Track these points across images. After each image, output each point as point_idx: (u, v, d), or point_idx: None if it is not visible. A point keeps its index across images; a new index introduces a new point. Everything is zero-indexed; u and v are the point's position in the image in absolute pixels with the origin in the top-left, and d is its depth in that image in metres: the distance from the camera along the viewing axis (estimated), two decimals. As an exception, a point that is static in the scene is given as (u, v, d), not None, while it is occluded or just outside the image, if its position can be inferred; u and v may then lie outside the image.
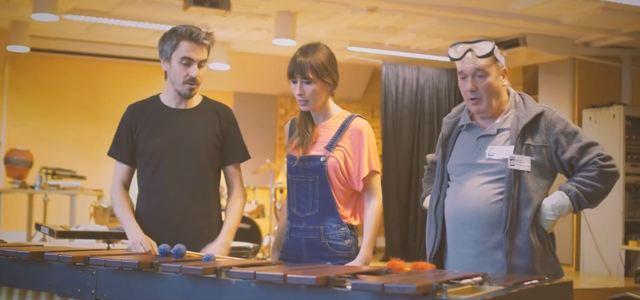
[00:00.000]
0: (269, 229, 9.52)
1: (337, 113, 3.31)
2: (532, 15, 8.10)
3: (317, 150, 3.22)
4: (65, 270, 2.72)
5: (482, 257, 2.98)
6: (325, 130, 3.26)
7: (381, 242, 10.66)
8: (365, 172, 3.21)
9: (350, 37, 9.55)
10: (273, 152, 11.74)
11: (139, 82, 11.13)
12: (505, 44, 8.85)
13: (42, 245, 3.23)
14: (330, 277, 2.13)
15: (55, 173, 9.45)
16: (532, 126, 3.00)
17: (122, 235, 4.60)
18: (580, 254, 9.28)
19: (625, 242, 8.73)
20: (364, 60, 10.74)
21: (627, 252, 8.74)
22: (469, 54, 2.99)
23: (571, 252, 9.46)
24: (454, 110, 3.27)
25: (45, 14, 7.73)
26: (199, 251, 3.02)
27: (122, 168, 3.40)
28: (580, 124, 9.17)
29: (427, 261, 3.02)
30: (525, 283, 2.29)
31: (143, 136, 3.35)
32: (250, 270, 2.28)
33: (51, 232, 4.46)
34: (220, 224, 3.45)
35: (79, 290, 2.67)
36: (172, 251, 2.80)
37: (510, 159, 2.94)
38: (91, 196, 9.73)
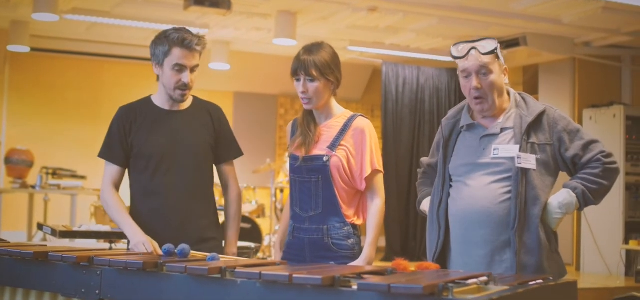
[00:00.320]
0: (270, 228, 9.51)
1: (340, 112, 3.31)
2: (533, 15, 8.10)
3: (319, 149, 3.22)
4: (69, 270, 2.71)
5: (491, 256, 2.98)
6: (328, 130, 3.26)
7: (382, 242, 10.66)
8: (367, 171, 3.21)
9: (350, 37, 9.55)
10: (273, 152, 11.74)
11: (139, 82, 11.11)
12: (506, 44, 8.86)
13: (46, 245, 3.22)
14: (336, 277, 2.12)
15: (55, 173, 9.45)
16: (536, 125, 3.02)
17: (124, 236, 4.60)
18: (581, 253, 9.28)
19: (626, 241, 8.73)
20: (364, 60, 10.74)
21: (628, 252, 8.74)
22: (472, 51, 2.99)
23: (572, 252, 9.46)
24: (453, 111, 3.26)
25: (45, 13, 7.73)
26: (202, 251, 3.01)
27: (114, 170, 3.37)
28: (580, 123, 9.16)
29: (427, 262, 3.01)
30: (531, 283, 2.29)
31: (139, 139, 3.34)
32: (256, 270, 2.27)
33: (53, 232, 4.46)
34: (217, 222, 3.48)
35: (83, 290, 2.66)
36: (176, 251, 2.80)
37: (518, 157, 2.94)
38: (92, 196, 9.73)
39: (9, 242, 3.26)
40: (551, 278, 2.47)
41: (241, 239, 5.40)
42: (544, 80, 10.01)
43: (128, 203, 3.42)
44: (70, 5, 8.23)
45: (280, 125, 11.90)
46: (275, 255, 3.46)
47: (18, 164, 9.14)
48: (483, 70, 2.98)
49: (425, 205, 3.32)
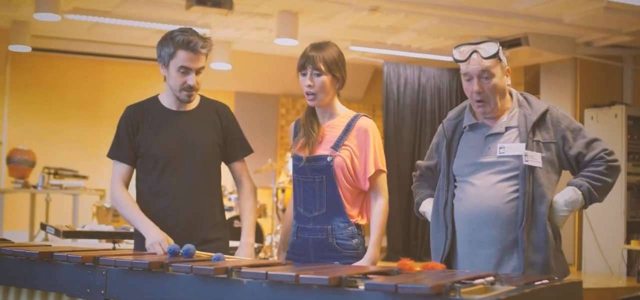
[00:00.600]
0: (271, 228, 9.51)
1: (343, 112, 3.31)
2: (534, 15, 8.10)
3: (323, 149, 3.23)
4: (74, 270, 2.71)
5: (500, 255, 2.98)
6: (331, 130, 3.26)
7: (383, 242, 10.66)
8: (371, 171, 3.21)
9: (351, 37, 9.54)
10: (274, 152, 11.73)
11: (140, 82, 11.11)
12: (507, 44, 8.85)
13: (50, 245, 3.22)
14: (342, 277, 2.12)
15: (57, 173, 9.45)
16: (540, 123, 3.03)
17: (127, 235, 4.60)
18: (582, 253, 9.28)
19: (627, 241, 8.73)
20: (365, 59, 10.74)
21: (629, 252, 8.74)
22: (474, 55, 2.98)
23: (573, 252, 9.46)
24: (454, 112, 3.26)
25: (47, 13, 7.73)
26: (208, 251, 3.01)
27: (124, 168, 3.36)
28: (582, 123, 9.16)
29: (432, 262, 3.00)
30: (536, 283, 2.29)
31: (146, 139, 3.33)
32: (262, 270, 2.27)
33: (57, 232, 4.45)
34: (224, 222, 3.47)
35: (88, 290, 2.66)
36: (181, 251, 2.80)
37: (525, 155, 2.95)
38: (93, 196, 9.73)
39: (13, 242, 3.26)
40: (556, 278, 2.47)
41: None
42: (545, 80, 10.01)
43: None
44: (72, 5, 8.23)
45: (281, 125, 11.90)
46: (278, 256, 3.46)
47: (20, 164, 9.14)
48: (485, 74, 2.98)
49: (425, 206, 3.31)
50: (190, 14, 8.11)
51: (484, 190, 3.01)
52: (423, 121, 10.46)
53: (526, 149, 2.96)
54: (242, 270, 2.33)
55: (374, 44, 9.84)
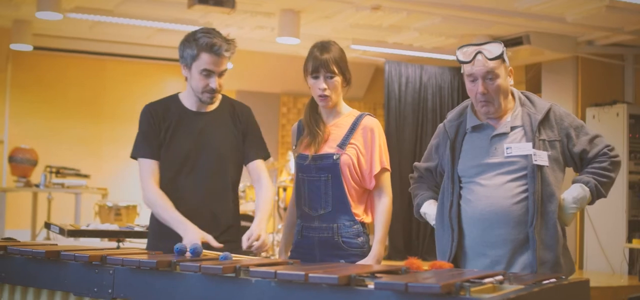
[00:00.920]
0: (273, 227, 9.51)
1: (347, 112, 3.34)
2: (536, 14, 8.10)
3: (329, 148, 3.24)
4: (82, 269, 2.70)
5: (509, 255, 2.98)
6: (337, 129, 3.28)
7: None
8: (376, 169, 3.24)
9: (353, 36, 9.54)
10: (275, 151, 11.73)
11: (141, 81, 11.12)
12: (509, 43, 8.85)
13: (56, 245, 3.22)
14: (351, 276, 2.12)
15: (59, 172, 9.45)
16: (544, 122, 3.05)
17: (132, 234, 4.60)
18: (584, 252, 9.29)
19: (629, 240, 8.73)
20: (366, 58, 10.74)
21: (631, 251, 8.75)
22: (479, 56, 2.98)
23: (574, 251, 9.46)
24: (454, 113, 3.25)
25: (49, 12, 7.73)
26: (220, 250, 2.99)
27: (153, 165, 3.26)
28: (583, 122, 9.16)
29: (441, 261, 3.00)
30: (544, 282, 2.29)
31: (165, 139, 3.27)
32: (271, 269, 2.27)
33: (62, 231, 4.45)
34: (238, 226, 3.40)
35: (95, 289, 2.65)
36: (188, 250, 2.79)
37: (533, 155, 2.95)
38: (95, 195, 9.74)
39: (19, 241, 3.26)
40: (564, 277, 2.47)
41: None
42: (546, 79, 10.01)
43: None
44: (73, 3, 8.22)
45: (282, 124, 11.90)
46: (280, 255, 3.46)
47: (22, 163, 9.14)
48: (489, 75, 2.98)
49: (427, 208, 3.30)
50: (192, 12, 8.11)
51: (493, 191, 3.01)
52: (424, 120, 10.46)
53: (533, 148, 2.97)
54: (251, 269, 2.33)
55: (376, 42, 9.84)
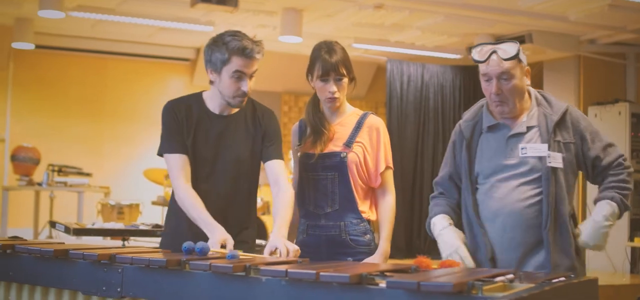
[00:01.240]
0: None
1: (351, 110, 3.36)
2: (538, 12, 8.10)
3: (335, 146, 3.25)
4: (90, 268, 2.69)
5: (520, 258, 2.95)
6: (342, 128, 3.29)
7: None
8: (382, 167, 3.26)
9: (355, 34, 9.54)
10: (276, 149, 11.71)
11: (143, 79, 11.12)
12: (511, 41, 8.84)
13: (63, 243, 3.22)
14: (363, 275, 2.12)
15: (61, 170, 9.45)
16: (560, 123, 3.00)
17: (138, 233, 4.60)
18: (586, 251, 9.27)
19: (631, 239, 8.74)
20: (368, 57, 10.74)
21: (633, 249, 8.75)
22: (493, 56, 2.92)
23: (576, 249, 9.45)
24: (470, 112, 3.20)
25: (51, 10, 7.73)
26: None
27: (182, 160, 3.16)
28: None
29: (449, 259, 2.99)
30: (554, 280, 2.29)
31: (187, 141, 3.20)
32: (281, 267, 2.26)
33: (67, 229, 4.45)
34: (255, 230, 3.35)
35: (104, 288, 2.64)
36: (195, 249, 2.78)
37: (547, 157, 2.92)
38: (97, 193, 9.74)
39: (26, 240, 3.26)
40: (572, 275, 2.47)
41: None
42: (548, 78, 10.01)
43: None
44: (75, 2, 8.22)
45: (283, 123, 11.88)
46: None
47: (24, 162, 9.14)
48: (504, 76, 2.93)
49: (436, 219, 3.15)
50: (194, 11, 8.11)
51: (506, 193, 2.97)
52: (426, 119, 10.45)
53: (549, 149, 2.93)
54: (261, 268, 2.32)
55: (378, 41, 9.84)
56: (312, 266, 2.39)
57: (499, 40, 3.03)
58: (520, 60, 2.96)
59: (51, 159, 9.83)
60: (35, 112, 10.59)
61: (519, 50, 2.93)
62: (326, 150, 3.25)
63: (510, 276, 2.23)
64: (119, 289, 2.62)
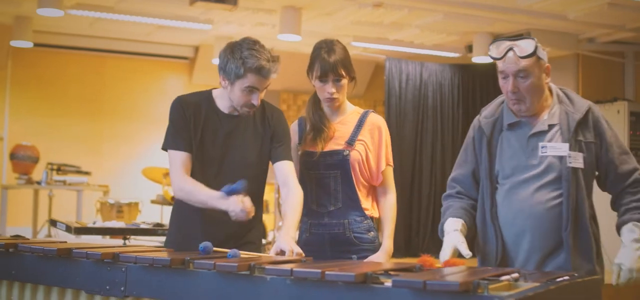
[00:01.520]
0: (273, 224, 9.51)
1: (351, 109, 3.35)
2: (538, 11, 8.11)
3: (336, 144, 3.25)
4: (94, 267, 2.68)
5: (541, 261, 2.88)
6: (343, 126, 3.29)
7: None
8: (383, 166, 3.27)
9: (354, 33, 9.54)
10: (275, 148, 11.72)
11: (142, 78, 11.11)
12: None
13: (66, 242, 3.21)
14: (368, 274, 2.12)
15: (60, 169, 9.44)
16: (583, 122, 2.91)
17: (139, 232, 4.60)
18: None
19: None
20: (367, 55, 10.73)
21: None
22: (510, 53, 2.83)
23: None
24: (489, 109, 3.09)
25: (50, 8, 7.72)
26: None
27: (184, 156, 3.13)
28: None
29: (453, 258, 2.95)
30: (558, 279, 2.29)
31: (194, 139, 3.17)
32: (286, 266, 2.26)
33: (68, 228, 4.44)
34: (260, 235, 3.31)
35: (107, 287, 2.64)
36: (199, 248, 2.78)
37: (568, 157, 2.85)
38: (96, 192, 9.73)
39: (29, 239, 3.25)
40: (576, 274, 2.47)
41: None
42: (547, 76, 10.01)
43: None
44: (74, 0, 8.21)
45: (282, 121, 11.91)
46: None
47: (24, 160, 9.13)
48: (521, 74, 2.83)
49: (448, 222, 3.02)
50: (193, 9, 8.10)
51: (526, 196, 2.89)
52: (425, 117, 10.45)
53: (570, 149, 2.85)
54: (266, 267, 2.32)
55: (376, 39, 9.84)
56: (317, 265, 2.39)
57: (516, 37, 2.91)
58: (539, 58, 2.85)
59: (50, 157, 9.82)
60: (34, 110, 10.58)
61: (536, 48, 2.83)
62: (328, 149, 3.25)
63: (515, 275, 2.24)
64: (122, 288, 2.61)
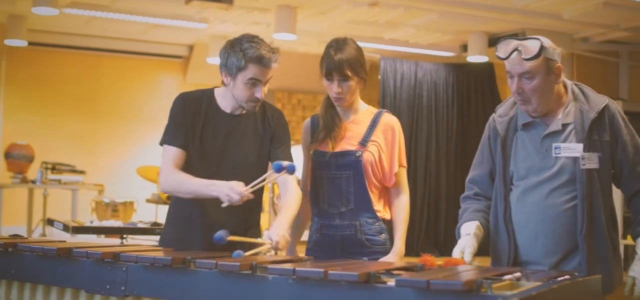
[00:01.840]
0: (268, 223, 9.50)
1: (365, 109, 3.29)
2: (533, 11, 8.13)
3: (349, 145, 3.20)
4: (94, 266, 2.68)
5: (559, 265, 2.83)
6: (355, 126, 3.24)
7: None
8: (396, 167, 3.22)
9: (349, 32, 9.53)
10: (270, 147, 11.72)
11: (137, 77, 11.09)
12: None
13: (65, 242, 3.20)
14: (371, 274, 2.12)
15: (55, 168, 9.42)
16: (598, 120, 2.83)
17: (136, 231, 4.58)
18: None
19: (624, 236, 8.75)
20: (362, 54, 10.72)
21: (626, 247, 8.77)
22: (515, 54, 2.77)
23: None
24: (503, 108, 3.03)
25: (45, 7, 7.70)
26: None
27: (177, 153, 3.13)
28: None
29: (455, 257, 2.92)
30: (559, 279, 2.30)
31: (193, 137, 3.17)
32: (289, 266, 2.26)
33: (66, 227, 4.43)
34: (258, 226, 3.31)
35: (108, 286, 2.63)
36: (214, 238, 2.76)
37: (582, 158, 2.79)
38: (91, 191, 9.71)
39: (28, 239, 3.24)
40: (577, 274, 2.47)
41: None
42: (541, 76, 10.04)
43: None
44: (70, -2, 8.21)
45: (277, 120, 11.91)
46: (289, 253, 3.40)
47: (18, 159, 9.11)
48: (526, 75, 2.77)
49: (463, 229, 2.98)
50: (189, 8, 8.09)
51: (540, 198, 2.84)
52: (419, 116, 10.45)
53: (584, 150, 2.79)
54: (268, 266, 2.32)
55: (371, 39, 9.84)
56: (320, 264, 2.39)
57: (522, 36, 2.85)
58: (547, 59, 2.78)
59: (45, 156, 9.79)
60: (29, 109, 10.56)
61: (541, 49, 2.74)
62: (340, 149, 3.20)
63: (518, 274, 2.24)
64: (123, 288, 2.61)
